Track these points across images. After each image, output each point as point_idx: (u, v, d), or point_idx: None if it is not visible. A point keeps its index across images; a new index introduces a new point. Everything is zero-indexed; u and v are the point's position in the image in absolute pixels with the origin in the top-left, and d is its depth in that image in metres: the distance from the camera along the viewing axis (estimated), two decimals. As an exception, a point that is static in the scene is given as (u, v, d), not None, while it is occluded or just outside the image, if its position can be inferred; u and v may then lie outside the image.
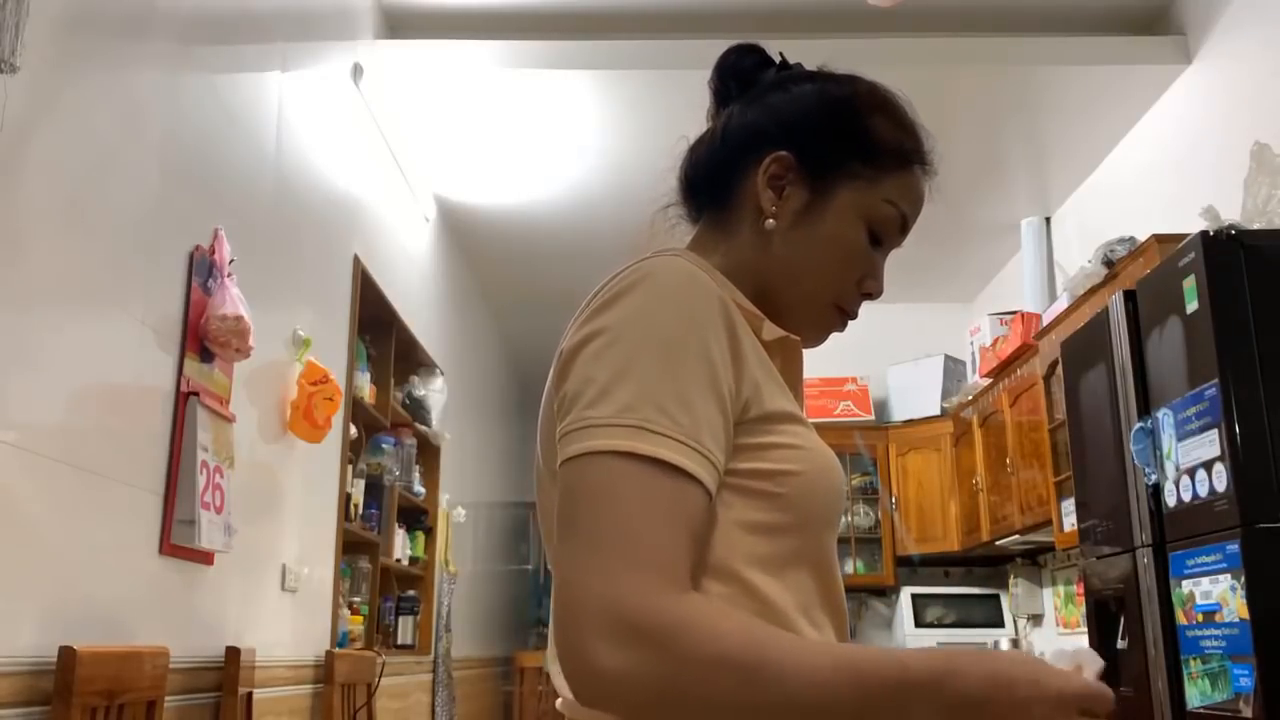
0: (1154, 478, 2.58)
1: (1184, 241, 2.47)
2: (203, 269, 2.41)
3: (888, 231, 0.96)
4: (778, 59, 1.03)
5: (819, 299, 0.97)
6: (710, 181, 1.00)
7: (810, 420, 0.92)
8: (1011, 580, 5.32)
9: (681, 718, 0.72)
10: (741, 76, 1.01)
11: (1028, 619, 5.28)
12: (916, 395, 5.65)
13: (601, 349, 0.80)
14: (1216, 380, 2.31)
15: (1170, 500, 2.52)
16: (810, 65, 1.04)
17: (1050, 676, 0.73)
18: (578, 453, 0.76)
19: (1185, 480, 2.44)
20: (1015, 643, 5.28)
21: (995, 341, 4.82)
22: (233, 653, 2.50)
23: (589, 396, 0.78)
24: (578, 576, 0.73)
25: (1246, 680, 2.21)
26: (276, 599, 2.95)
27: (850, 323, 1.01)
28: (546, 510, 0.89)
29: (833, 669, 0.71)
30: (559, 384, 0.83)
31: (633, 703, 0.72)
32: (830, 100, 0.97)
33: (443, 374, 4.78)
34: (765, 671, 0.70)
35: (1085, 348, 3.03)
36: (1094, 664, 0.77)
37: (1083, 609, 3.78)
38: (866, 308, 1.01)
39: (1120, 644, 2.80)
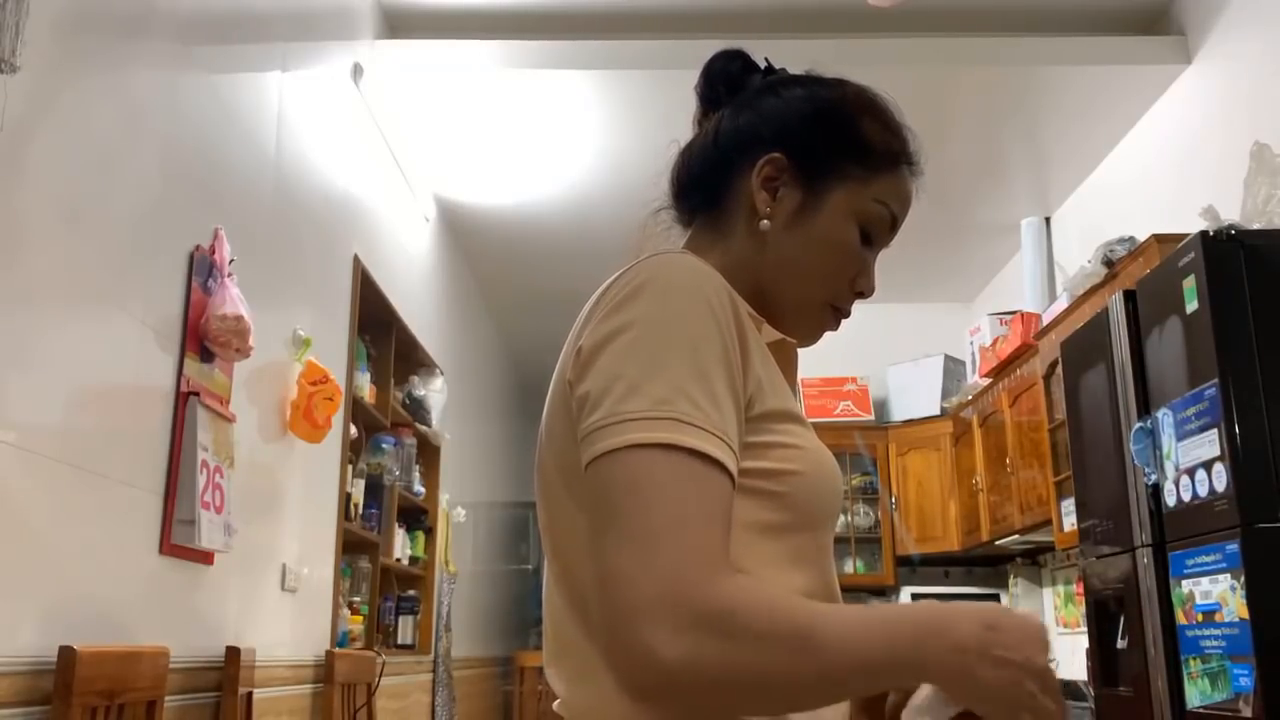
0: (1154, 478, 2.58)
1: (1184, 241, 2.46)
2: (203, 269, 2.41)
3: (879, 231, 0.98)
4: (763, 63, 1.05)
5: (814, 298, 0.98)
6: (704, 184, 1.01)
7: (810, 420, 0.93)
8: (1011, 580, 5.32)
9: (742, 696, 0.74)
10: (729, 81, 1.03)
11: (1028, 619, 5.27)
12: (916, 395, 5.65)
13: (627, 345, 0.80)
14: (1216, 380, 2.31)
15: (1170, 500, 2.52)
16: (809, 66, 1.05)
17: (1021, 615, 0.77)
18: (615, 446, 0.77)
19: (1185, 480, 2.44)
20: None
21: (995, 341, 4.82)
22: (233, 653, 2.50)
23: (619, 392, 0.78)
24: (628, 570, 0.73)
25: (1246, 680, 2.21)
26: (276, 599, 2.96)
27: (850, 322, 1.03)
28: (549, 503, 0.90)
29: (864, 627, 0.74)
30: (579, 381, 0.83)
31: (695, 688, 0.73)
32: (822, 103, 0.98)
33: (443, 374, 4.78)
34: (814, 639, 0.73)
35: (1085, 348, 3.03)
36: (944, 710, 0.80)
37: (1082, 609, 3.78)
38: (867, 308, 1.02)
39: (1120, 644, 2.80)
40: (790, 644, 0.73)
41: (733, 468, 0.79)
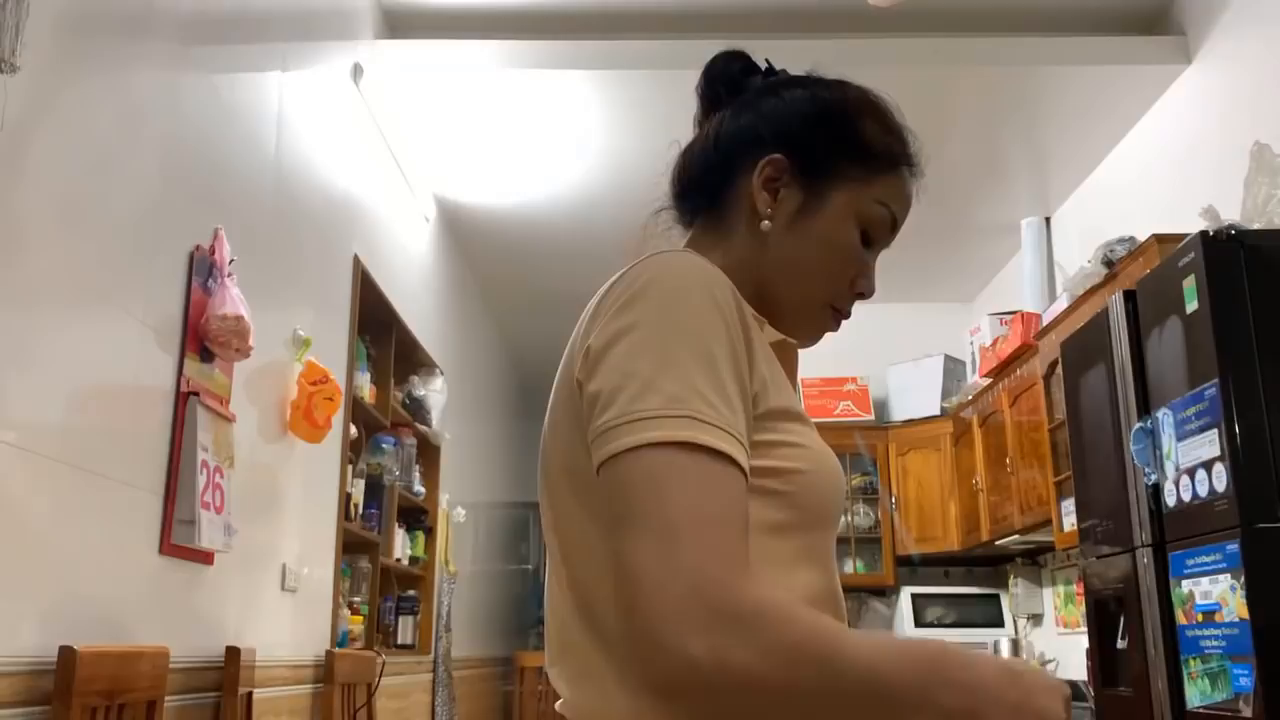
0: (1154, 478, 2.58)
1: (1184, 241, 2.46)
2: (203, 269, 2.41)
3: (879, 232, 0.98)
4: (764, 64, 1.05)
5: (815, 299, 0.98)
6: (704, 185, 1.01)
7: (810, 420, 0.93)
8: (1011, 580, 5.32)
9: (761, 702, 0.73)
10: (730, 81, 1.03)
11: (1028, 619, 5.28)
12: (916, 395, 5.65)
13: (637, 343, 0.80)
14: (1216, 380, 2.31)
15: (1170, 500, 2.52)
16: (809, 66, 1.05)
17: (1043, 670, 0.80)
18: (632, 445, 0.76)
19: (1185, 480, 2.44)
20: (1015, 643, 5.28)
21: (995, 341, 4.82)
22: (233, 652, 2.50)
23: (632, 390, 0.78)
24: (651, 568, 0.73)
25: (1246, 680, 2.21)
26: (276, 599, 2.96)
27: (850, 323, 1.03)
28: (554, 503, 0.90)
29: (883, 654, 0.74)
30: (588, 380, 0.82)
31: (719, 688, 0.72)
32: (822, 104, 0.98)
33: (443, 374, 4.78)
34: (838, 657, 0.73)
35: (1085, 348, 3.03)
36: None
37: (1082, 609, 3.78)
38: (867, 308, 1.02)
39: (1120, 644, 2.80)
40: (816, 658, 0.72)
41: (746, 465, 0.79)
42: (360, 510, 3.83)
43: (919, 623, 5.42)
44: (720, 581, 0.72)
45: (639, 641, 0.73)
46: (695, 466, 0.75)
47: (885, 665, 0.73)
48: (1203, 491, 2.37)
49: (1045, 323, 3.99)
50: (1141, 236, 3.29)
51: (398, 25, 3.89)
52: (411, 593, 4.50)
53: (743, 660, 0.71)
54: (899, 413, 5.72)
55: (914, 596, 5.50)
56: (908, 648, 0.75)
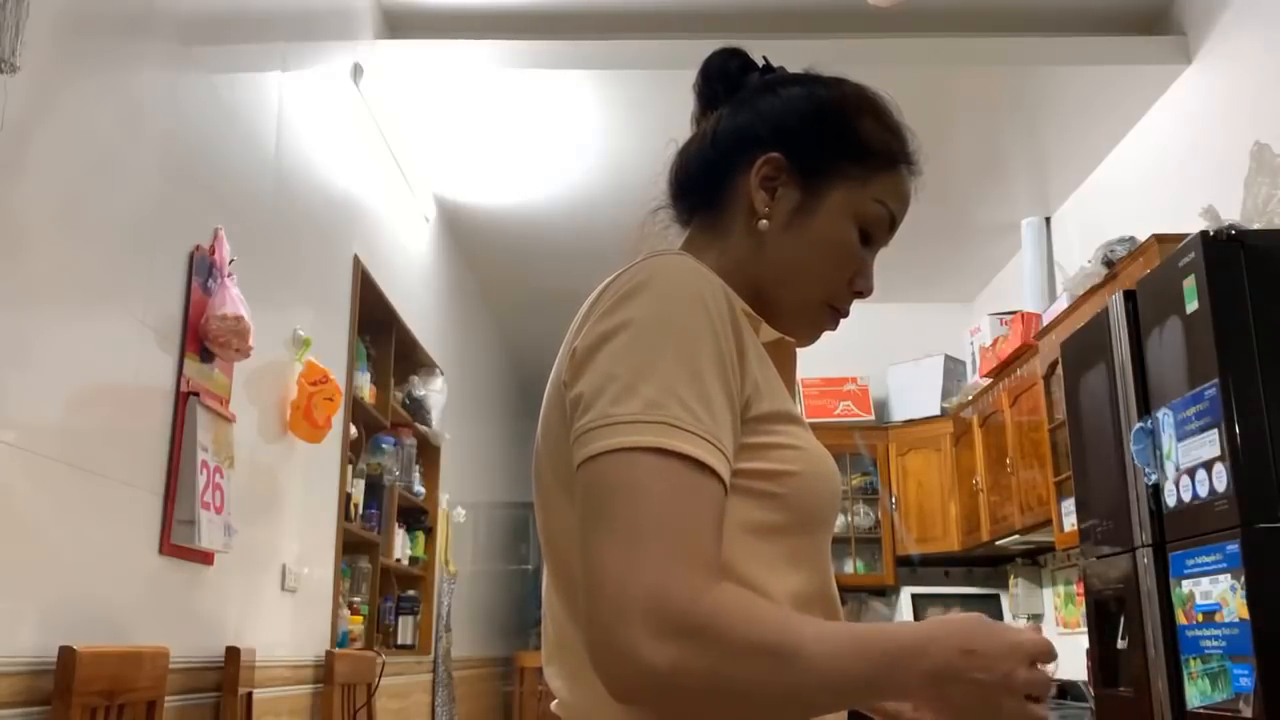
0: (1154, 478, 2.58)
1: (1184, 241, 2.46)
2: (203, 269, 2.41)
3: (877, 230, 0.98)
4: (761, 62, 1.04)
5: (812, 298, 0.98)
6: (702, 184, 1.00)
7: (810, 420, 0.93)
8: (1011, 580, 5.32)
9: (722, 706, 0.73)
10: (727, 79, 1.03)
11: (1028, 619, 5.28)
12: (916, 395, 5.65)
13: (621, 346, 0.80)
14: (1216, 380, 2.31)
15: (1170, 500, 2.52)
16: (809, 66, 1.04)
17: (1003, 631, 0.77)
18: (605, 449, 0.76)
19: (1185, 480, 2.44)
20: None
21: (995, 341, 4.82)
22: (233, 653, 2.50)
23: (612, 393, 0.78)
24: (614, 573, 0.73)
25: (1246, 680, 2.21)
26: (276, 599, 2.95)
27: (850, 323, 1.02)
28: (545, 504, 0.90)
29: (841, 646, 0.74)
30: (573, 382, 0.82)
31: (679, 694, 0.72)
32: (820, 102, 0.98)
33: (443, 374, 4.78)
34: (795, 655, 0.73)
35: (1085, 348, 3.03)
36: None
37: (1083, 609, 3.78)
38: (867, 308, 1.02)
39: (1120, 644, 2.80)
40: (771, 659, 0.73)
41: (724, 472, 0.79)
42: (360, 510, 3.83)
43: (919, 623, 5.42)
44: (679, 589, 0.72)
45: (599, 647, 0.74)
46: (665, 473, 0.75)
47: (847, 662, 0.74)
48: (1203, 491, 2.37)
49: (1045, 323, 3.99)
50: (1141, 236, 3.29)
51: (398, 25, 3.89)
52: (411, 593, 4.49)
53: (696, 668, 0.71)
54: (899, 413, 5.72)
55: (914, 597, 5.50)
56: (866, 640, 0.75)
